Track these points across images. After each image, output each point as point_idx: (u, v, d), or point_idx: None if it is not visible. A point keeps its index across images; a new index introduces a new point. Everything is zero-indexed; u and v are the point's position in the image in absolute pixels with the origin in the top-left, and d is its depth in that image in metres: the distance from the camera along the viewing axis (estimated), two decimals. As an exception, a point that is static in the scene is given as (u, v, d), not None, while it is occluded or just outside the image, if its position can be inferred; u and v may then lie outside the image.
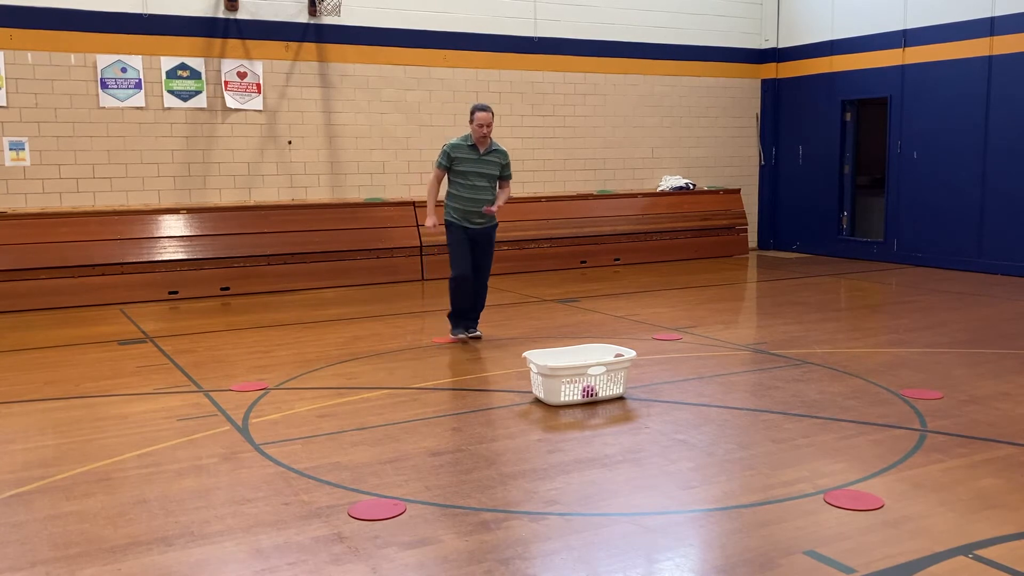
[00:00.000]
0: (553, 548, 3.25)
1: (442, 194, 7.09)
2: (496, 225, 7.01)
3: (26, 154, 9.36)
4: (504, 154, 6.86)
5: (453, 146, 6.77)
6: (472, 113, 6.69)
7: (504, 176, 6.89)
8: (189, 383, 5.76)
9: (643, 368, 5.95)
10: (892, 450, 4.26)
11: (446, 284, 10.18)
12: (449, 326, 7.07)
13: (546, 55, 11.86)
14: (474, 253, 6.85)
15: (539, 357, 5.22)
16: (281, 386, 5.66)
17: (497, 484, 3.89)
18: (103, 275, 9.18)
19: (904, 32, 11.44)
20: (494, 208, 6.75)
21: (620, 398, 5.22)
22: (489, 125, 6.69)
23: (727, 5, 13.09)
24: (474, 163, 6.72)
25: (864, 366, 5.97)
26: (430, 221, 6.84)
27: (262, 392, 5.50)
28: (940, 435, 4.48)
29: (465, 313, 6.94)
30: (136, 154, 9.82)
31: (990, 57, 10.49)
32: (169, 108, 9.94)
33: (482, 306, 7.11)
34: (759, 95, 13.61)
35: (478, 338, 6.99)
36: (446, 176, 6.86)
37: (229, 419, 4.93)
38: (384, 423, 4.82)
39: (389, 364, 6.27)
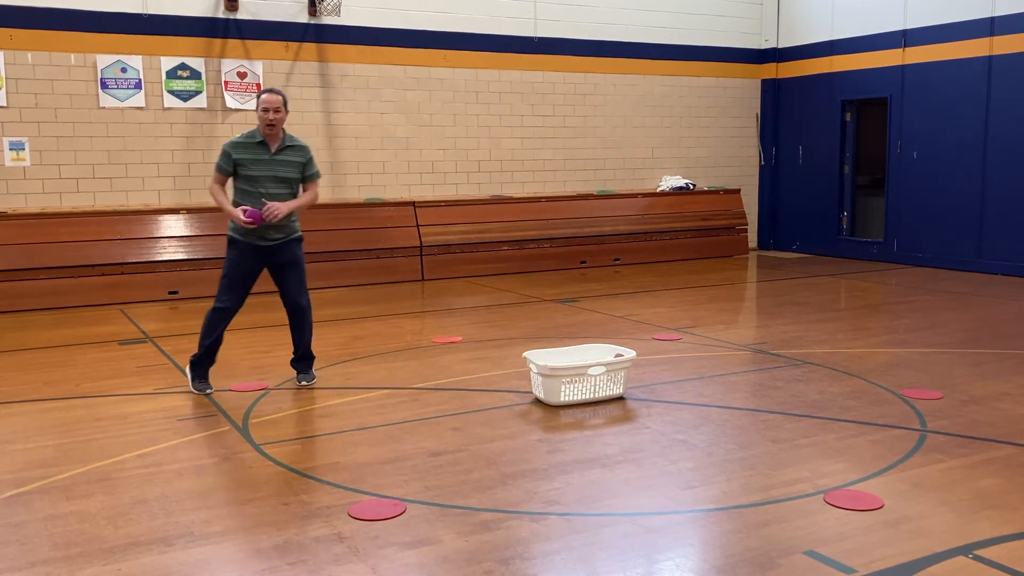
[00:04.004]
0: (553, 548, 3.25)
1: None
2: (300, 238, 5.54)
3: (26, 154, 9.36)
4: (304, 150, 5.44)
5: (235, 144, 5.36)
6: (257, 98, 5.28)
7: (308, 177, 5.47)
8: (189, 383, 5.75)
9: (643, 368, 5.95)
10: (892, 450, 4.26)
11: (446, 284, 10.32)
12: (190, 376, 5.53)
13: (546, 55, 11.86)
14: (279, 279, 5.51)
15: (539, 357, 5.23)
16: (281, 386, 5.65)
17: (497, 484, 3.89)
18: (103, 275, 9.18)
19: (904, 32, 11.44)
20: (282, 208, 5.24)
21: (620, 398, 5.23)
22: (278, 111, 5.23)
23: (727, 5, 13.09)
24: (265, 165, 5.33)
25: (864, 366, 5.97)
26: (242, 214, 5.22)
27: (262, 392, 5.50)
28: (940, 435, 4.48)
29: (212, 356, 5.53)
30: (136, 154, 9.82)
31: (990, 57, 10.49)
32: (169, 108, 9.94)
33: (308, 341, 5.66)
34: (759, 95, 13.60)
35: (311, 384, 5.62)
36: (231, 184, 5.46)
37: (229, 419, 4.93)
38: (384, 423, 4.82)
39: (389, 364, 6.27)
